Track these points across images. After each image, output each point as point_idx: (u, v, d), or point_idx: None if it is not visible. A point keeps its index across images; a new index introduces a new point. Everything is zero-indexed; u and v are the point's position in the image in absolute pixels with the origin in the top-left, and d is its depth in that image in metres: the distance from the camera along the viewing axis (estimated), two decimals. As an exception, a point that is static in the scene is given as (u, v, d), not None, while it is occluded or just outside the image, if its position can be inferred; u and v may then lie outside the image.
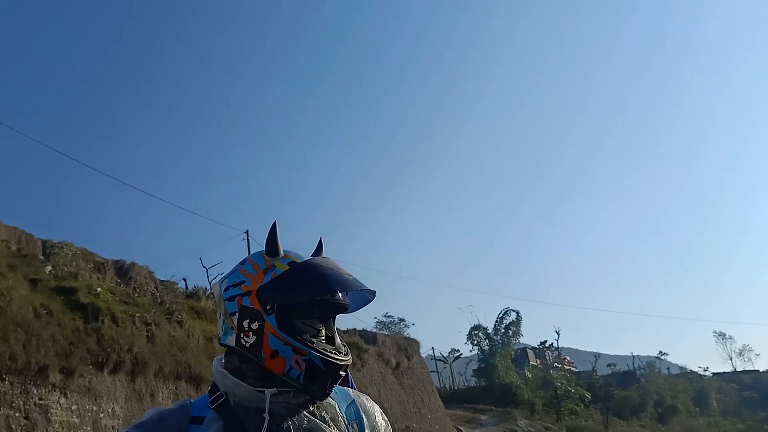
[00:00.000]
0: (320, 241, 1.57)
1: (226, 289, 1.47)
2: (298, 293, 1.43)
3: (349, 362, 1.47)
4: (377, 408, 1.59)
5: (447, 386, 42.89)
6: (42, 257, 12.10)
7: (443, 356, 44.81)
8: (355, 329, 24.55)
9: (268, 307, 1.41)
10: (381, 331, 29.75)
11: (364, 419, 1.52)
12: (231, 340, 1.44)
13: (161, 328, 12.87)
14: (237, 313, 1.43)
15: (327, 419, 1.45)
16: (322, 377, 1.41)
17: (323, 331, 1.50)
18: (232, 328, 1.44)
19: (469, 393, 39.77)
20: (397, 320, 35.26)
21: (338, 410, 1.50)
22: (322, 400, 1.46)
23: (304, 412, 1.43)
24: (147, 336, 12.30)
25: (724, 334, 74.05)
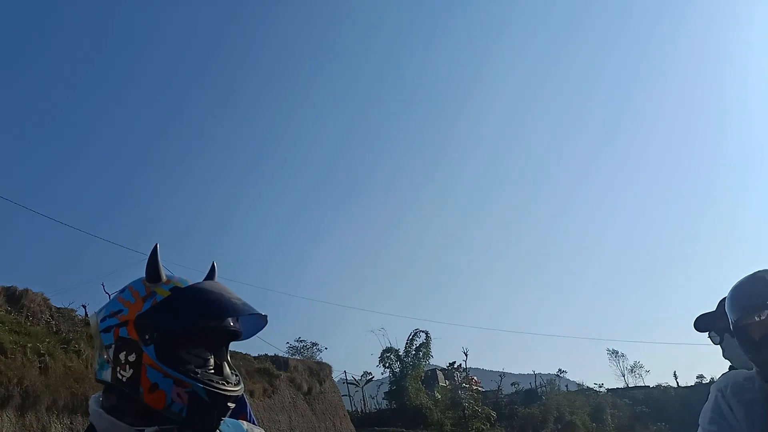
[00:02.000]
0: (213, 265, 1.51)
1: (103, 320, 1.38)
2: (180, 320, 1.34)
3: (240, 392, 1.38)
4: None
5: (359, 410, 42.70)
6: None
7: (355, 379, 44.64)
8: (266, 355, 24.04)
9: (147, 337, 1.30)
10: (293, 356, 29.36)
11: None
12: (107, 375, 1.34)
13: (56, 358, 12.07)
14: (113, 345, 1.33)
15: None
16: (208, 410, 1.32)
17: (212, 360, 1.39)
18: (108, 361, 1.34)
19: (380, 415, 39.73)
20: (309, 344, 35.04)
21: None
22: None
23: None
24: (40, 367, 11.49)
25: (617, 352, 78.61)
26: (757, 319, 1.76)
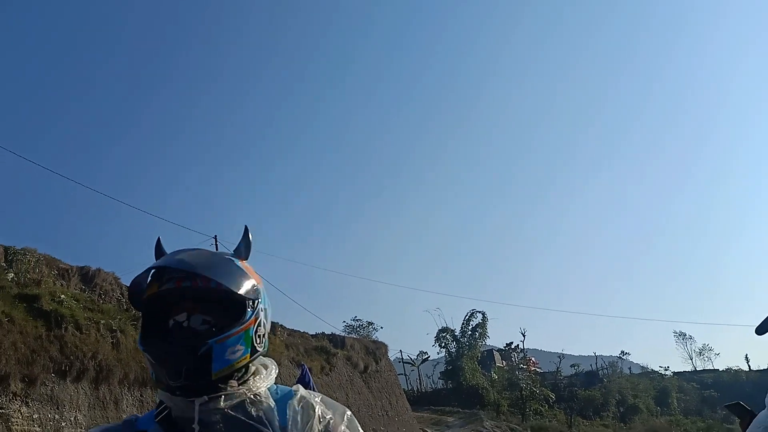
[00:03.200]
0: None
1: None
2: (129, 293, 1.49)
3: (200, 341, 1.38)
4: (319, 412, 1.48)
5: (414, 389, 43.17)
6: (4, 264, 11.92)
7: (411, 359, 45.11)
8: (323, 333, 24.61)
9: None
10: (350, 335, 29.88)
11: (290, 424, 1.44)
12: None
13: (127, 334, 12.78)
14: None
15: (263, 419, 1.41)
16: (166, 368, 1.36)
17: (176, 322, 1.45)
18: None
19: (436, 395, 40.10)
20: (365, 324, 35.49)
21: (275, 411, 1.45)
22: (216, 392, 1.40)
23: (240, 414, 1.40)
24: (112, 343, 12.20)
25: (685, 334, 76.19)
26: None
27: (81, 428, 10.72)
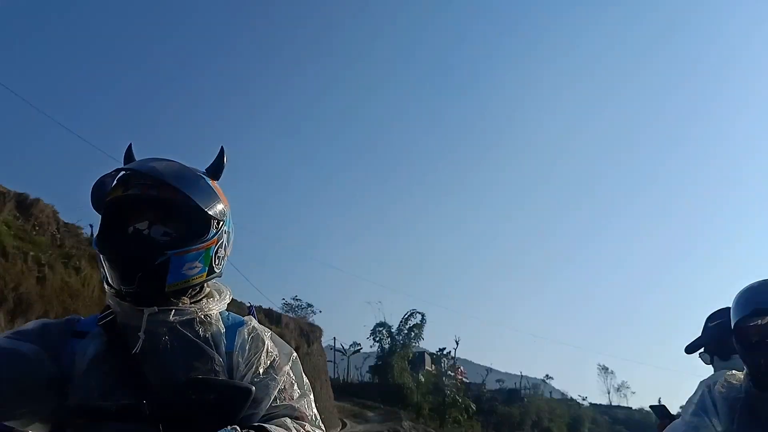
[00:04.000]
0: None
1: None
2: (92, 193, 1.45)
3: (146, 253, 1.37)
4: (269, 346, 1.49)
5: (341, 378, 43.08)
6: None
7: (343, 348, 44.99)
8: (260, 306, 24.20)
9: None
10: (286, 313, 29.49)
11: (236, 350, 1.44)
12: None
13: (55, 271, 12.15)
14: None
15: (209, 341, 1.42)
16: (120, 272, 1.37)
17: (136, 227, 1.43)
18: None
19: (361, 388, 40.10)
20: (305, 305, 35.05)
21: (223, 335, 1.46)
22: (167, 306, 1.40)
23: (187, 331, 1.40)
24: (37, 277, 11.58)
25: (607, 369, 78.52)
26: (759, 322, 1.88)
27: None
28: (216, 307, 1.49)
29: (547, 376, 64.17)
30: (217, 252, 1.48)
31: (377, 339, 40.95)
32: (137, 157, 1.48)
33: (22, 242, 11.86)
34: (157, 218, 1.42)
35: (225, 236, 1.51)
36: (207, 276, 1.47)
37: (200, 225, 1.43)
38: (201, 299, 1.48)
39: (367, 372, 44.20)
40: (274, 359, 1.46)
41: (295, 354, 1.56)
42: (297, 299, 35.17)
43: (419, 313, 41.23)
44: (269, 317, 23.74)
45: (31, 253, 11.67)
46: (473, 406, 39.80)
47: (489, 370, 47.62)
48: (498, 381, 56.50)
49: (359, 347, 45.40)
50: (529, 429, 47.73)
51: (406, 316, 40.94)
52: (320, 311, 35.49)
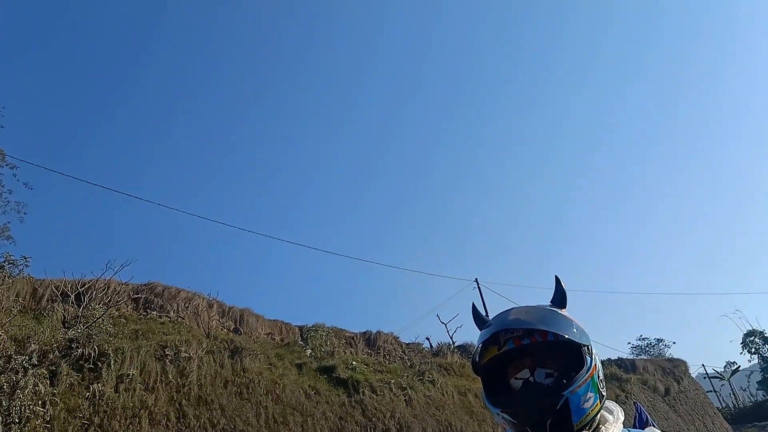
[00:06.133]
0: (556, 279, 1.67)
1: None
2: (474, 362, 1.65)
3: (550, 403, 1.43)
4: None
5: (730, 405, 37.70)
6: (301, 342, 13.31)
7: (718, 372, 39.71)
8: (609, 359, 22.94)
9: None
10: (639, 357, 27.42)
11: None
12: None
13: (416, 390, 13.24)
14: None
15: None
16: (531, 424, 1.44)
17: (520, 379, 1.55)
18: None
19: (759, 408, 34.45)
20: (654, 342, 32.27)
21: None
22: None
23: None
24: (405, 400, 12.72)
25: None
26: None
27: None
28: (615, 430, 1.53)
29: None
30: (599, 376, 1.53)
31: (753, 351, 35.35)
32: None
33: (382, 374, 13.30)
34: (535, 364, 1.52)
35: (597, 357, 1.57)
36: (600, 403, 1.52)
37: (576, 357, 1.51)
38: (598, 426, 1.52)
39: (757, 390, 38.02)
40: None
41: None
42: (643, 338, 32.67)
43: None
44: (623, 366, 22.25)
45: (392, 381, 12.96)
46: None
47: None
48: None
49: (737, 366, 39.63)
50: None
51: (777, 313, 34.82)
52: (674, 343, 32.30)
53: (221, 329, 12.25)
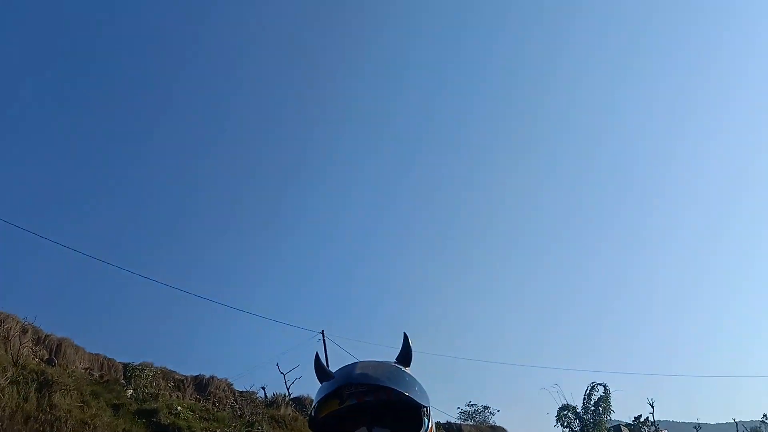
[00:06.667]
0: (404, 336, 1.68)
1: None
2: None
3: None
4: None
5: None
6: (123, 381, 12.29)
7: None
8: (438, 422, 23.62)
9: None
10: (466, 422, 28.52)
11: None
12: None
13: (242, 441, 12.68)
14: None
15: None
16: None
17: None
18: None
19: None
20: (480, 408, 33.81)
21: None
22: None
23: None
24: (229, 452, 12.12)
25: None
26: None
27: None
28: None
29: (765, 415, 55.87)
30: None
31: (565, 424, 38.24)
32: None
33: (208, 422, 12.60)
34: (374, 422, 1.47)
35: (433, 420, 1.55)
36: None
37: (416, 418, 1.48)
38: None
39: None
40: None
41: None
42: (472, 404, 34.10)
43: (600, 384, 38.34)
44: (449, 430, 23.01)
45: (218, 430, 12.31)
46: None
47: (698, 426, 42.31)
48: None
49: (551, 438, 42.44)
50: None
51: (587, 391, 38.18)
52: (498, 410, 34.01)
53: (33, 358, 11.01)
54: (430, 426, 1.50)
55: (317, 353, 1.65)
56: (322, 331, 26.78)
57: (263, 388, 18.49)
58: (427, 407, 1.50)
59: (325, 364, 1.62)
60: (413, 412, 1.48)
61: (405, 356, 1.63)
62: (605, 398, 37.62)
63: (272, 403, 16.59)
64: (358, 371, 1.48)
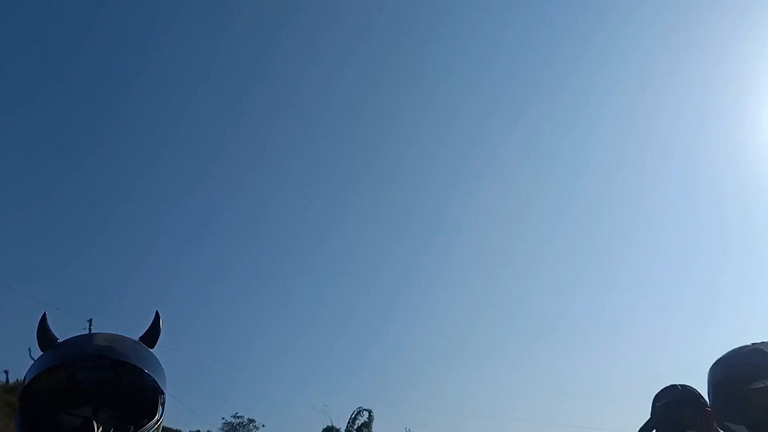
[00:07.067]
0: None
1: None
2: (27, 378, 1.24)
3: None
4: None
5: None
6: None
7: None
8: (199, 431, 22.84)
9: (18, 410, 1.24)
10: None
11: None
12: None
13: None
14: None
15: None
16: None
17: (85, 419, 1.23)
18: None
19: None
20: (246, 421, 33.20)
21: None
22: None
23: None
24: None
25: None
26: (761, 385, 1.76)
27: None
28: None
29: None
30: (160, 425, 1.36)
31: (326, 445, 39.01)
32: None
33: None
34: (102, 402, 1.30)
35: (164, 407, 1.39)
36: None
37: (150, 404, 1.32)
38: None
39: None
40: None
41: None
42: (238, 416, 33.38)
43: (366, 410, 39.79)
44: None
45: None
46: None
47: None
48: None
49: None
50: None
51: (353, 415, 39.42)
52: (263, 425, 33.77)
53: None
54: (163, 415, 1.33)
55: (44, 313, 1.34)
56: (90, 319, 22.60)
57: (6, 372, 16.62)
58: (164, 395, 1.33)
59: (53, 331, 1.35)
60: (150, 398, 1.31)
61: (152, 335, 1.43)
62: (368, 423, 39.13)
63: (13, 388, 14.89)
64: (102, 343, 1.27)
